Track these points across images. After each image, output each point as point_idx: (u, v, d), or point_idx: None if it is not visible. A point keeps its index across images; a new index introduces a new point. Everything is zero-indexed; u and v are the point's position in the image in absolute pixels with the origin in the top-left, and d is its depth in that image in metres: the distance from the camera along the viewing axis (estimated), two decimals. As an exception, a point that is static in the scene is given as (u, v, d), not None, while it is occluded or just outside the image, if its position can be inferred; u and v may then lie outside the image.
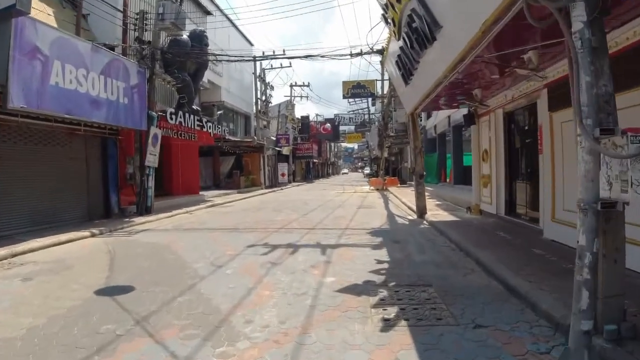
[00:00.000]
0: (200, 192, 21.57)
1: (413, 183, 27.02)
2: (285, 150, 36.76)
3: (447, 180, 23.77)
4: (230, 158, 29.96)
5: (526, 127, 9.31)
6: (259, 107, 31.55)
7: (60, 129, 11.30)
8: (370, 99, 51.59)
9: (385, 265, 6.30)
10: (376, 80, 30.56)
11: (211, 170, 29.68)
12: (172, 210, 14.94)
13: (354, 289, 5.10)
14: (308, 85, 41.60)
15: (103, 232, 10.54)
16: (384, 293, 4.95)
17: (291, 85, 41.38)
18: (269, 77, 34.44)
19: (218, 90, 27.17)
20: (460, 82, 8.08)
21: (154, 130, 14.14)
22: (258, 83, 32.12)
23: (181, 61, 16.68)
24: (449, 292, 4.95)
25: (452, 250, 7.46)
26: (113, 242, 8.97)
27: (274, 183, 33.56)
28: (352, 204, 16.88)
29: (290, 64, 33.50)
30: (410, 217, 12.14)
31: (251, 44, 34.05)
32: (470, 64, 6.36)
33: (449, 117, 20.50)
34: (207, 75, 24.97)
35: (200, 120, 17.36)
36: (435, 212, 12.28)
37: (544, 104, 7.48)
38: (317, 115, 54.77)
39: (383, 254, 7.11)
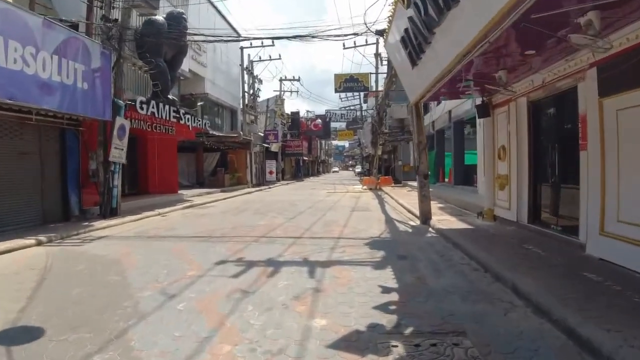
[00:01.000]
0: (180, 191, 19.88)
1: (409, 183, 25.77)
2: (274, 147, 35.08)
3: (446, 180, 22.28)
4: (214, 154, 28.22)
5: (560, 119, 7.78)
6: (246, 101, 29.81)
7: (5, 117, 9.58)
8: (362, 95, 50.23)
9: (395, 296, 4.71)
10: (370, 73, 29.01)
11: (194, 167, 27.94)
12: (143, 212, 13.26)
13: (355, 342, 3.50)
14: (298, 80, 39.93)
15: (52, 240, 8.86)
16: (399, 349, 3.36)
17: (281, 80, 39.71)
18: (257, 71, 32.77)
19: (201, 81, 25.43)
20: (486, 59, 6.50)
21: (120, 120, 12.42)
22: (245, 75, 30.37)
23: (156, 45, 14.93)
24: (493, 344, 3.39)
25: (474, 270, 5.89)
26: (56, 254, 7.29)
27: (261, 181, 31.88)
28: (344, 205, 15.29)
29: (280, 56, 31.77)
30: (412, 223, 10.57)
31: (239, 35, 32.25)
32: (508, 29, 4.80)
33: (449, 112, 19.00)
34: (190, 65, 23.23)
35: (177, 112, 15.64)
36: (441, 217, 10.73)
37: (591, 88, 5.93)
38: (307, 111, 53.17)
39: (388, 277, 5.51)
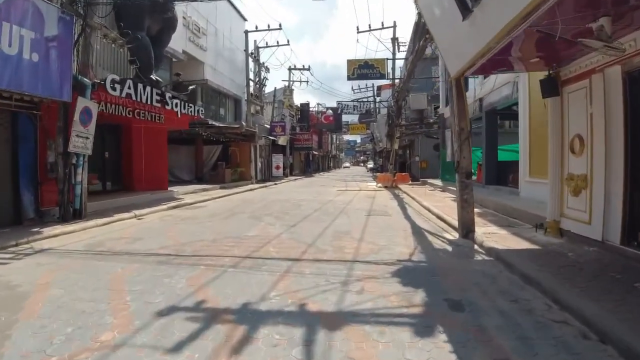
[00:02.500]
0: (173, 188, 17.61)
1: (429, 181, 23.22)
2: (282, 141, 32.69)
3: (474, 178, 19.65)
4: (215, 147, 25.93)
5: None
6: (251, 90, 27.42)
7: None
8: (376, 88, 47.57)
9: None
10: (387, 59, 26.42)
11: (193, 161, 25.69)
12: (116, 214, 11.01)
13: None
14: (308, 69, 37.51)
15: (-30, 255, 6.64)
16: None
17: (290, 69, 37.34)
18: (264, 58, 30.34)
19: (200, 66, 23.15)
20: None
21: (84, 102, 10.10)
22: (250, 61, 27.97)
23: (136, 16, 12.62)
24: None
25: (582, 338, 3.45)
26: None
27: (266, 177, 29.54)
28: (358, 207, 12.85)
29: (288, 41, 29.22)
30: (449, 237, 8.11)
31: (244, 19, 29.89)
32: None
33: (480, 100, 16.43)
34: (187, 47, 20.96)
35: (162, 95, 13.28)
36: (486, 229, 8.26)
37: None
38: (318, 104, 50.67)
39: (446, 357, 3.09)
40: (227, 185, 22.43)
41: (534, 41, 6.01)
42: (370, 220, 10.14)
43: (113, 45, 12.64)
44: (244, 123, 23.08)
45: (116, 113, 12.56)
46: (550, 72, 7.36)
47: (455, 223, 8.77)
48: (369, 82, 50.53)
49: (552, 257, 5.89)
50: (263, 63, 30.46)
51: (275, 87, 34.81)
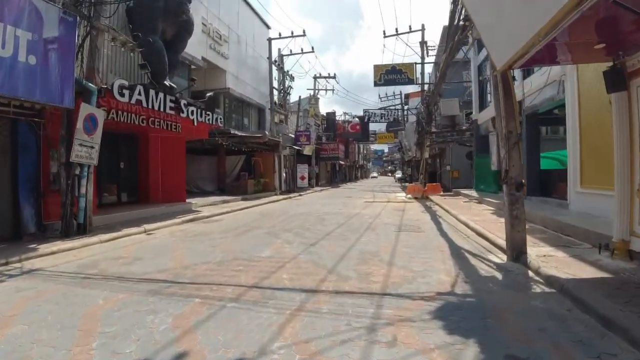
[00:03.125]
0: (191, 199, 16.85)
1: (462, 192, 21.74)
2: (307, 150, 31.80)
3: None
4: (238, 158, 25.18)
5: None
6: (274, 99, 26.67)
7: None
8: (403, 96, 46.32)
9: None
10: (415, 63, 25.20)
11: (215, 171, 25.00)
12: (126, 228, 10.26)
13: None
14: (334, 77, 36.63)
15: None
16: None
17: (315, 77, 36.56)
18: (288, 66, 29.66)
19: (222, 74, 22.52)
20: None
21: (88, 109, 9.38)
22: (274, 70, 27.28)
23: (149, 19, 11.94)
24: None
25: None
26: None
27: (291, 188, 28.64)
28: (387, 222, 11.70)
29: (313, 48, 28.51)
30: (495, 259, 6.87)
31: (268, 27, 29.29)
32: None
33: (519, 102, 15.04)
34: (207, 55, 20.36)
35: (176, 102, 12.53)
36: (539, 250, 7.00)
37: None
38: (344, 113, 49.69)
39: None
40: (250, 196, 21.61)
41: (601, 21, 4.84)
42: (401, 237, 8.98)
43: (123, 49, 11.98)
44: (267, 132, 22.27)
45: (129, 121, 11.85)
46: (616, 62, 6.12)
47: (500, 242, 7.56)
48: (397, 90, 49.31)
49: (631, 290, 4.64)
50: (287, 71, 29.76)
51: (300, 96, 34.08)
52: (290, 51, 29.30)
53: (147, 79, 12.25)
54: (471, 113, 24.89)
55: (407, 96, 47.66)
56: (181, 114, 12.96)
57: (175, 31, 13.58)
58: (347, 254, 7.21)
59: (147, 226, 10.81)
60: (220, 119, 15.30)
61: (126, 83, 10.72)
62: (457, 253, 7.30)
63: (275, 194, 24.78)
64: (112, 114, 11.26)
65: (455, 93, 26.71)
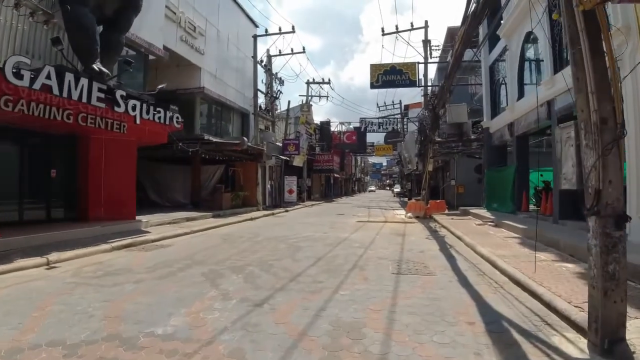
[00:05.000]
0: (146, 217, 13.89)
1: (471, 210, 18.66)
2: (297, 161, 28.84)
3: (535, 208, 15.26)
4: (216, 168, 22.18)
5: None
6: (257, 102, 23.82)
7: None
8: (403, 107, 43.64)
9: None
10: (418, 63, 22.37)
11: (189, 183, 21.95)
12: (26, 258, 7.39)
13: None
14: (329, 83, 33.96)
15: None
16: None
17: (308, 82, 33.87)
18: (280, 70, 26.87)
19: (196, 72, 19.75)
20: None
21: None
22: (261, 71, 24.50)
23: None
24: None
25: None
26: None
27: (277, 202, 25.61)
28: (381, 254, 8.68)
29: (304, 48, 25.80)
30: (565, 344, 3.87)
31: (255, 25, 26.52)
32: None
33: (548, 103, 12.17)
34: (176, 47, 17.57)
35: (109, 92, 9.61)
36: (636, 323, 4.03)
37: None
38: (340, 123, 46.79)
39: None
40: (225, 212, 18.61)
41: None
42: (402, 287, 5.98)
43: (30, 20, 9.07)
44: (245, 139, 19.33)
45: (46, 116, 8.99)
46: None
47: (560, 304, 4.67)
48: (395, 99, 46.63)
49: None
50: (276, 74, 26.97)
51: (289, 101, 31.28)
52: (280, 51, 26.44)
53: (62, 59, 9.34)
54: (479, 121, 22.06)
55: (407, 107, 44.90)
56: (116, 108, 10.01)
57: (118, 6, 10.76)
58: (312, 326, 4.21)
59: (57, 255, 7.87)
60: (178, 118, 12.34)
61: (27, 61, 7.80)
62: (497, 329, 4.28)
63: (257, 209, 21.79)
64: (22, 105, 8.40)
65: (461, 99, 23.96)
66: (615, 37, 8.24)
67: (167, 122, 11.93)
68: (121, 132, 11.29)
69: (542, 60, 13.16)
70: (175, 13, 17.42)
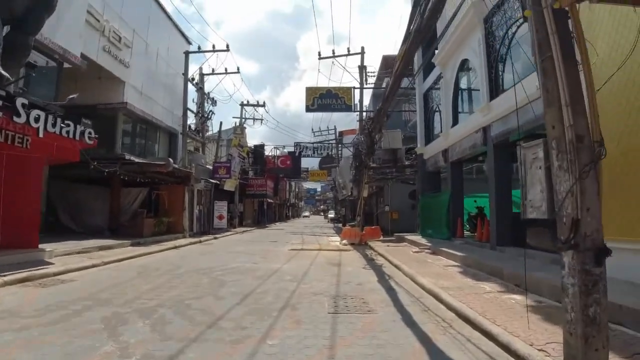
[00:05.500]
0: (52, 245, 12.00)
1: (406, 237, 18.35)
2: (228, 185, 27.50)
3: (466, 233, 15.24)
4: (139, 191, 20.41)
5: None
6: (187, 122, 22.51)
7: None
8: (337, 132, 43.81)
9: None
10: (354, 88, 22.28)
11: (108, 207, 19.98)
12: None
13: None
14: (264, 106, 33.19)
15: None
16: None
17: (242, 104, 32.88)
18: (215, 89, 25.75)
19: (119, 86, 18.20)
20: None
21: None
22: (192, 89, 23.27)
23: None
24: None
25: None
26: None
27: (206, 229, 24.06)
28: (317, 289, 7.82)
29: (238, 69, 24.99)
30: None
31: (188, 42, 25.33)
32: None
33: (483, 129, 12.18)
34: (98, 57, 16.11)
35: (9, 99, 8.19)
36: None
37: None
38: (274, 147, 46.00)
39: None
40: (146, 240, 16.93)
41: None
42: (340, 330, 5.16)
43: None
44: (171, 160, 17.92)
45: None
46: None
47: (519, 344, 4.11)
48: (330, 125, 46.86)
49: None
50: (208, 93, 25.82)
51: (221, 122, 30.16)
52: (213, 70, 25.43)
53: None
54: (413, 148, 22.23)
55: (341, 133, 45.13)
56: (15, 118, 8.54)
57: (28, 5, 9.43)
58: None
59: None
60: (91, 134, 10.92)
61: None
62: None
63: (184, 237, 20.20)
64: None
65: (395, 126, 24.15)
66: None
67: (78, 138, 10.49)
68: (24, 146, 9.74)
69: (478, 90, 13.28)
70: (99, 21, 15.98)
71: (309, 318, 5.63)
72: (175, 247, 16.14)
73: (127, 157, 17.15)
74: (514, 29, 10.83)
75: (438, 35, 15.71)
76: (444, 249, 12.21)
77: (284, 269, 10.40)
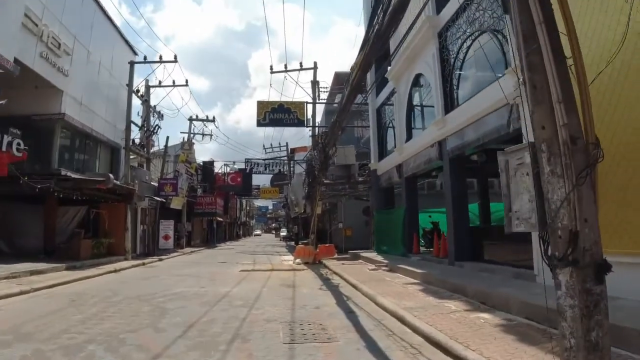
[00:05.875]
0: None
1: (362, 254, 17.89)
2: (175, 203, 26.17)
3: (422, 249, 15.05)
4: (77, 209, 18.92)
5: None
6: (130, 136, 21.27)
7: None
8: (289, 149, 43.32)
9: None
10: (307, 102, 21.89)
11: (42, 227, 18.33)
12: None
13: None
14: (213, 121, 32.24)
15: None
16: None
17: (190, 119, 31.72)
18: (157, 101, 24.64)
19: (57, 96, 16.93)
20: None
21: None
22: (136, 101, 22.09)
23: None
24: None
25: None
26: None
27: (151, 250, 22.61)
28: (270, 317, 7.09)
29: (187, 81, 24.05)
30: None
31: (134, 53, 24.09)
32: None
33: (439, 143, 12.05)
34: (34, 64, 14.87)
35: None
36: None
37: None
38: (224, 164, 44.75)
39: None
40: (83, 263, 15.54)
41: None
42: (299, 362, 4.54)
43: None
44: (111, 176, 16.65)
45: None
46: None
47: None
48: (282, 142, 46.39)
49: None
50: (154, 106, 24.64)
51: (167, 137, 28.97)
52: (160, 82, 24.31)
53: None
54: (366, 164, 22.07)
55: (293, 150, 44.65)
56: None
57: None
58: None
59: None
60: (20, 145, 9.81)
61: None
62: None
63: (126, 259, 18.81)
64: None
65: (348, 143, 23.99)
66: (514, 74, 8.10)
67: (5, 149, 9.39)
68: None
69: (432, 106, 13.22)
70: (36, 25, 14.71)
71: (262, 351, 4.96)
72: (116, 271, 14.87)
73: (63, 172, 15.78)
74: (468, 42, 10.81)
75: (391, 52, 15.72)
76: (401, 265, 11.86)
77: (233, 292, 9.59)
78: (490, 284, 7.93)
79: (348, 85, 9.40)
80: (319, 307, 7.81)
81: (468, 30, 10.77)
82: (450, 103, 11.54)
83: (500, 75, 8.97)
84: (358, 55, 8.27)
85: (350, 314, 7.20)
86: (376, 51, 7.46)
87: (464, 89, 11.28)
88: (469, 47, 10.85)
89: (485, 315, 6.32)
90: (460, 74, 11.31)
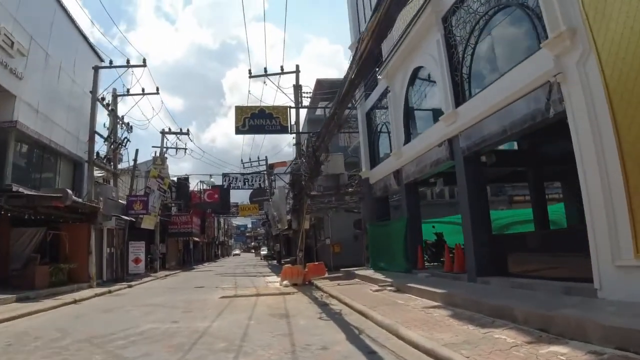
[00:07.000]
0: None
1: (356, 272, 15.48)
2: (146, 223, 23.94)
3: (434, 264, 13.40)
4: (35, 231, 16.60)
5: None
6: (94, 148, 19.17)
7: None
8: (268, 164, 41.51)
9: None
10: (290, 107, 20.16)
11: (-9, 252, 16.00)
12: None
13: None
14: (187, 134, 30.29)
15: None
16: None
17: (163, 132, 29.77)
18: (129, 112, 22.71)
19: (9, 101, 14.99)
20: None
21: None
22: (102, 111, 20.07)
23: None
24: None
25: None
26: None
27: (119, 275, 20.32)
28: None
29: (158, 89, 22.21)
30: None
31: (100, 58, 22.10)
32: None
33: (449, 141, 10.50)
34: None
35: None
36: None
37: None
38: (200, 181, 42.55)
39: None
40: (38, 293, 13.38)
41: None
42: None
43: None
44: (70, 192, 14.52)
45: None
46: None
47: None
48: (261, 156, 44.62)
49: None
50: (122, 117, 22.60)
51: (137, 150, 26.86)
52: (128, 90, 22.35)
53: None
54: (355, 174, 20.47)
55: (272, 166, 42.86)
56: None
57: None
58: None
59: None
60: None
61: None
62: None
63: (90, 287, 16.56)
64: None
65: (340, 148, 22.51)
66: (557, 44, 6.64)
67: None
68: None
69: (433, 108, 11.79)
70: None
71: None
72: (75, 302, 12.73)
73: (14, 188, 13.65)
74: (481, 23, 9.37)
75: (383, 54, 14.31)
76: (412, 285, 10.13)
77: (213, 329, 7.63)
78: (541, 304, 6.26)
79: (355, 63, 7.69)
80: (327, 346, 5.97)
81: (480, 10, 9.34)
82: (462, 94, 10.03)
83: (532, 52, 7.52)
84: (371, 17, 6.64)
85: (371, 355, 5.41)
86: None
87: (478, 77, 9.80)
88: (482, 29, 9.41)
89: (562, 349, 4.62)
90: (472, 61, 9.83)
